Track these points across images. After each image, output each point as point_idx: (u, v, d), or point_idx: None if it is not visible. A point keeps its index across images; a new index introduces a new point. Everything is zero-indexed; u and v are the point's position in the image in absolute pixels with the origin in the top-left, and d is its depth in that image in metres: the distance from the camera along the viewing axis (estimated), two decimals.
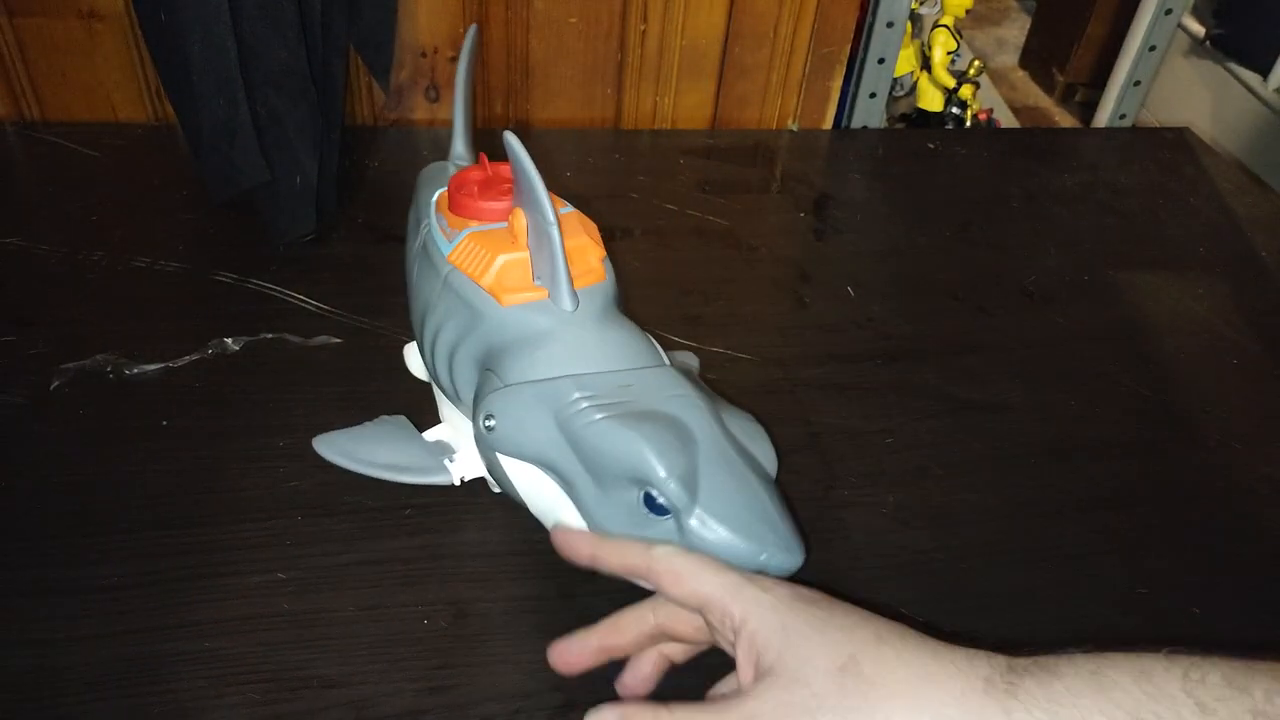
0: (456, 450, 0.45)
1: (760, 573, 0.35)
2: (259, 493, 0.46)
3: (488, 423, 0.38)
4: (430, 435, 0.46)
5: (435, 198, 0.46)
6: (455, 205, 0.43)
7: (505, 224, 0.42)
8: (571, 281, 0.39)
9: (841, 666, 0.31)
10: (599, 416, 0.36)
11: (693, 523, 0.35)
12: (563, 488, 0.38)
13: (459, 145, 0.51)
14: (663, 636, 0.37)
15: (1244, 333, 0.64)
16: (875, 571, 0.46)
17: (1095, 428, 0.55)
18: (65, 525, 0.44)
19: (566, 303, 0.39)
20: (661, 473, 0.35)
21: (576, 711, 0.39)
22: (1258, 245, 0.74)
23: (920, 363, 0.59)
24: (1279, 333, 0.64)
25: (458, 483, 0.44)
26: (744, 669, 0.33)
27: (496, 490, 0.46)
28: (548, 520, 0.40)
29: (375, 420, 0.46)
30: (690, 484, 0.35)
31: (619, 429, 0.36)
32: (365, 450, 0.44)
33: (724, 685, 0.37)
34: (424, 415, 0.47)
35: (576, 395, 0.37)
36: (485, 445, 0.40)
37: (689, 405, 0.38)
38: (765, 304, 0.62)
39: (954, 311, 0.64)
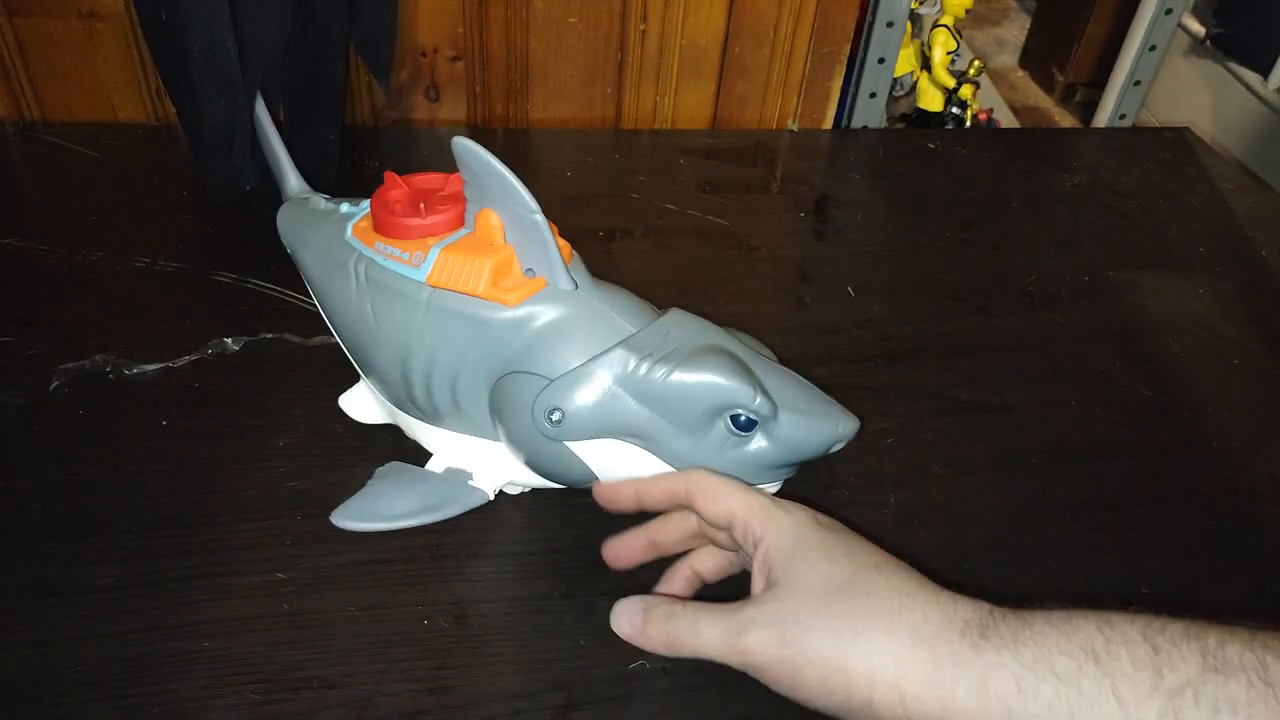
0: (470, 470, 0.44)
1: (836, 444, 0.40)
2: (259, 493, 0.46)
3: (554, 416, 0.39)
4: (435, 467, 0.45)
5: (350, 231, 0.44)
6: (396, 229, 0.42)
7: (466, 230, 0.42)
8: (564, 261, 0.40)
9: (838, 588, 0.34)
10: (665, 369, 0.39)
11: (781, 425, 0.39)
12: (645, 448, 0.40)
13: (292, 180, 0.52)
14: (702, 539, 0.41)
15: (1245, 332, 0.64)
16: None
17: (1096, 428, 0.55)
18: (64, 525, 0.44)
19: (569, 283, 0.40)
20: (749, 394, 0.38)
21: (577, 711, 0.39)
22: (1258, 245, 0.74)
23: (921, 363, 0.59)
24: (1279, 332, 0.64)
25: (492, 496, 0.44)
26: (756, 580, 0.36)
27: (515, 492, 0.46)
28: None
29: (374, 476, 0.45)
30: (767, 394, 0.38)
31: (692, 374, 0.38)
32: (386, 506, 0.43)
33: None
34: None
35: (634, 360, 0.39)
36: (548, 440, 0.40)
37: (718, 333, 0.41)
38: (765, 304, 0.62)
39: (954, 312, 0.64)
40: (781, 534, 0.36)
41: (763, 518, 0.36)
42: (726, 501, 0.37)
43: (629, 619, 0.38)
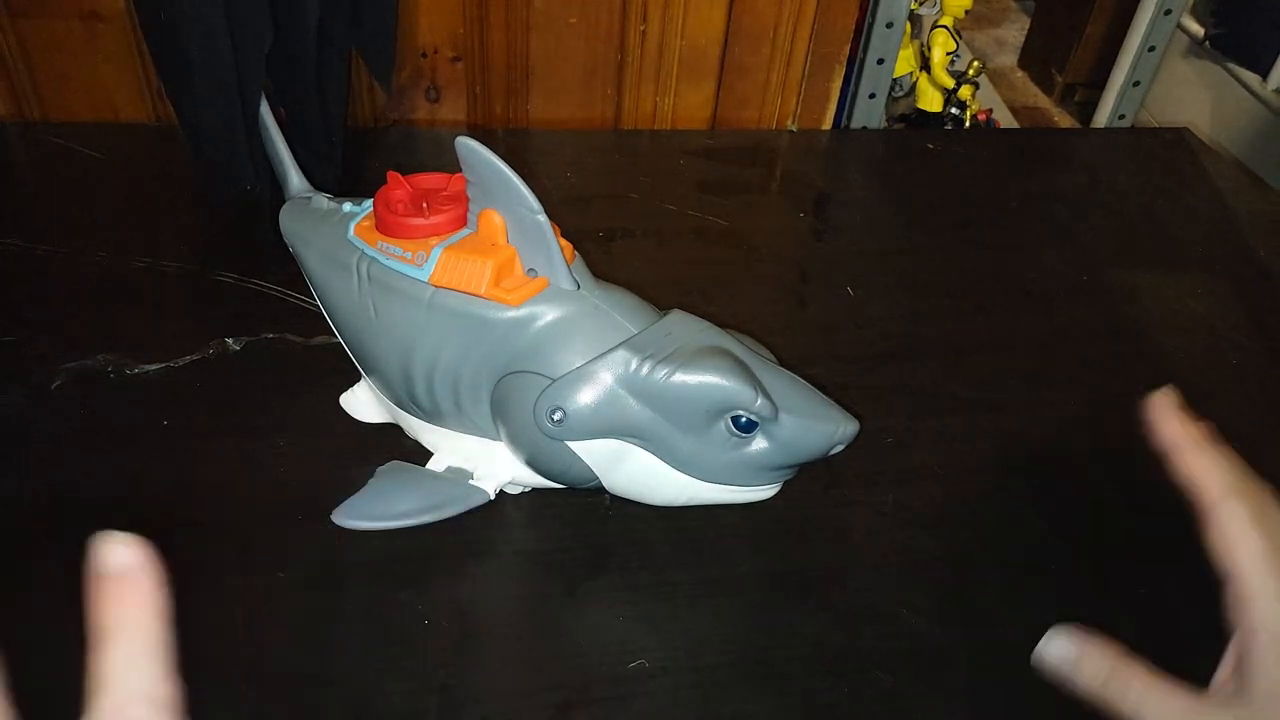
0: (471, 469, 0.45)
1: (836, 446, 0.40)
2: (259, 492, 0.46)
3: (555, 416, 0.39)
4: (436, 467, 0.45)
5: (353, 231, 0.44)
6: (399, 229, 0.42)
7: (469, 230, 0.42)
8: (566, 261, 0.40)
9: None
10: (667, 370, 0.39)
11: (781, 427, 0.39)
12: (646, 448, 0.40)
13: (295, 180, 0.52)
14: None
15: (1243, 332, 0.64)
16: (875, 572, 0.46)
17: (1095, 427, 0.55)
18: (63, 525, 0.44)
19: (570, 283, 0.40)
20: (750, 395, 0.38)
21: (576, 711, 0.39)
22: (1257, 245, 0.74)
23: (920, 363, 0.59)
24: (1278, 332, 0.64)
25: (493, 496, 0.44)
26: (1224, 667, 0.32)
27: (515, 492, 0.47)
28: (629, 490, 0.42)
29: (375, 476, 0.45)
30: (768, 396, 0.39)
31: (694, 375, 0.39)
32: (387, 505, 0.44)
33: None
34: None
35: (636, 360, 0.39)
36: (550, 440, 0.40)
37: (718, 334, 0.41)
38: (765, 304, 0.63)
39: (954, 311, 0.64)
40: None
41: (1266, 602, 0.30)
42: (1237, 554, 0.32)
43: (1065, 647, 0.34)
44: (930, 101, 1.01)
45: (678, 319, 0.42)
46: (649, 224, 0.69)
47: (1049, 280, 0.67)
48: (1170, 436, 0.36)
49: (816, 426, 0.40)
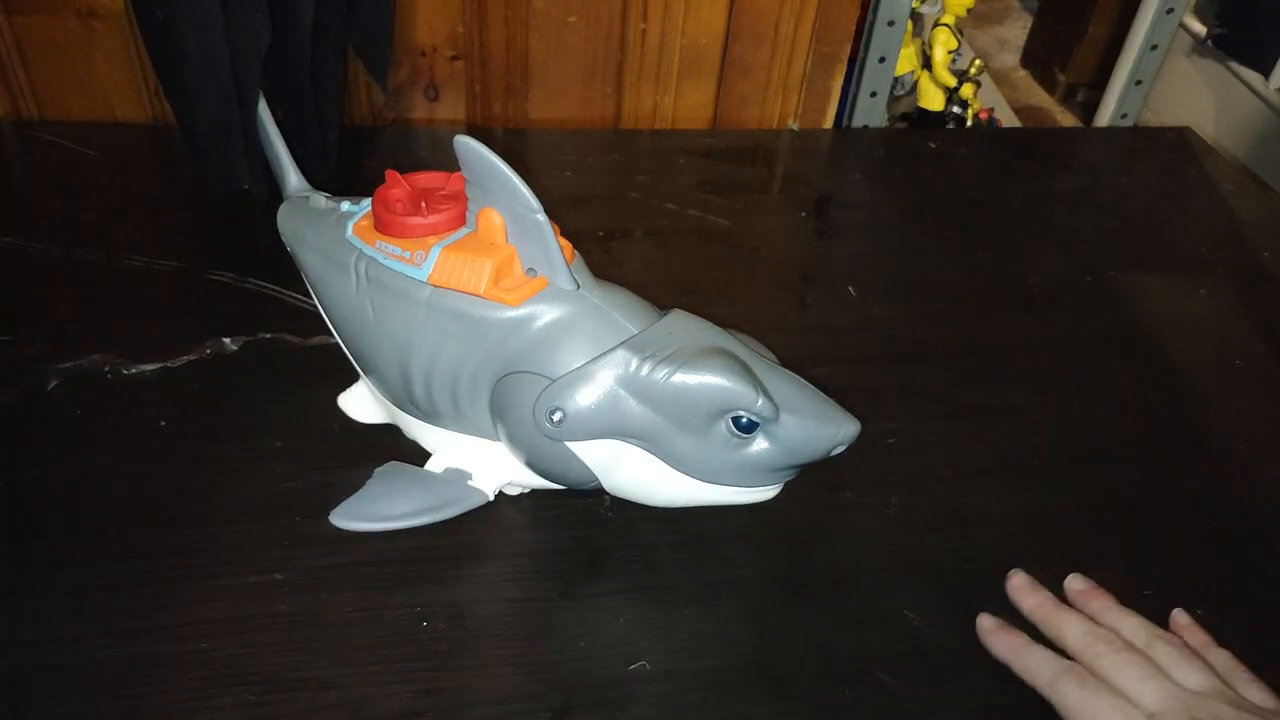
0: (470, 470, 0.44)
1: (837, 447, 0.40)
2: (256, 493, 0.46)
3: (555, 417, 0.39)
4: (434, 468, 0.45)
5: (351, 230, 0.44)
6: (397, 228, 0.41)
7: (468, 230, 0.41)
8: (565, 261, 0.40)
9: None
10: (668, 370, 0.38)
11: (782, 428, 0.39)
12: (646, 449, 0.40)
13: (293, 179, 0.52)
14: None
15: (1247, 334, 0.64)
16: (879, 575, 0.46)
17: (1098, 430, 0.55)
18: (61, 525, 0.44)
19: (570, 282, 0.40)
20: (750, 396, 0.38)
21: (575, 713, 0.39)
22: (1260, 246, 0.73)
23: (922, 364, 0.58)
24: None
25: (492, 497, 0.44)
26: None
27: (514, 492, 0.46)
28: (629, 491, 0.42)
29: (373, 476, 0.45)
30: (769, 396, 0.38)
31: (694, 375, 0.38)
32: (385, 506, 0.43)
33: None
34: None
35: (636, 360, 0.39)
36: (549, 440, 0.40)
37: (719, 334, 0.41)
38: (766, 304, 0.62)
39: (955, 313, 0.63)
40: None
41: None
42: None
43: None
44: (932, 100, 1.01)
45: (678, 319, 0.41)
46: (649, 224, 0.68)
47: (1050, 281, 0.67)
48: (997, 649, 0.42)
49: (818, 427, 0.40)
